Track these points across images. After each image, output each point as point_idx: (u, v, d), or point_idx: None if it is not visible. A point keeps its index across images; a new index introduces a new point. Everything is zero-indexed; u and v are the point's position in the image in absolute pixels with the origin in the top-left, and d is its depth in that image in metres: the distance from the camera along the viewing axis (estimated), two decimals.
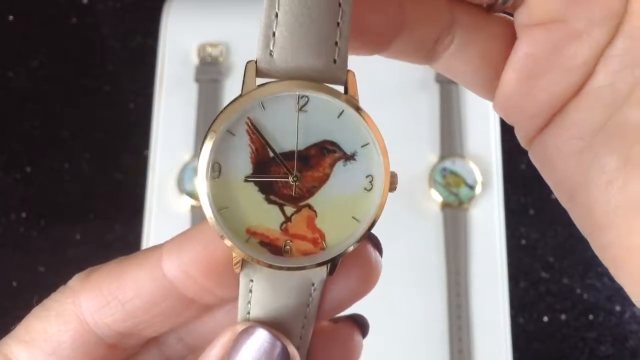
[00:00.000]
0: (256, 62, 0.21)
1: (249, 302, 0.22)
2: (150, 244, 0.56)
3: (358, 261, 0.23)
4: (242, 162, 0.21)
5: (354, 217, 0.22)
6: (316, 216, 0.21)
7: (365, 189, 0.21)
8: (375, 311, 0.54)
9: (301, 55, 0.20)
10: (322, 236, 0.22)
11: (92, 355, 0.22)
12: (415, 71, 0.59)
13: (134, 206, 0.59)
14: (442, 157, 0.57)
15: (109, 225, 0.63)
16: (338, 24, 0.20)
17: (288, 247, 0.21)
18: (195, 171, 0.57)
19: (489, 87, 0.23)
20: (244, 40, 0.61)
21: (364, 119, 0.21)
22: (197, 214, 0.56)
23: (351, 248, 0.21)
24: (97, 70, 0.69)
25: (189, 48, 0.61)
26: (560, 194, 0.22)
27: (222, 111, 0.21)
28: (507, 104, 0.22)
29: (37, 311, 0.23)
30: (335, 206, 0.21)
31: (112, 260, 0.23)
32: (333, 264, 0.22)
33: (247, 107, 0.21)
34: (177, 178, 0.57)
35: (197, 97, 0.59)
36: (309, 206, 0.21)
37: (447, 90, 0.59)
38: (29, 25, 0.71)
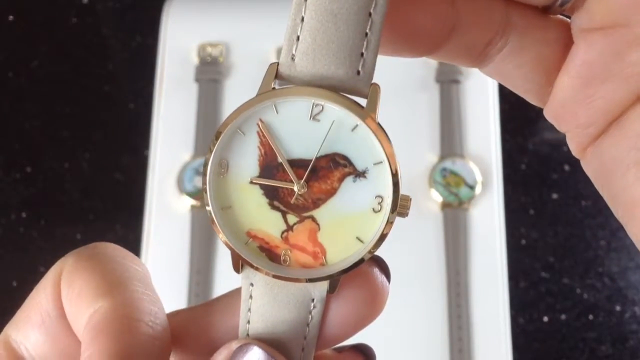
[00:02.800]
0: (278, 64, 0.20)
1: (249, 309, 0.21)
2: (150, 244, 0.56)
3: (362, 284, 0.21)
4: (249, 163, 0.21)
5: (358, 238, 0.21)
6: (319, 229, 0.21)
7: (373, 209, 0.20)
8: None
9: (323, 63, 0.19)
10: (323, 251, 0.21)
11: None
12: (415, 71, 0.59)
13: (134, 206, 0.59)
14: (442, 157, 0.57)
15: (109, 225, 0.63)
16: (366, 34, 0.19)
17: (287, 256, 0.21)
18: (201, 166, 0.57)
19: (541, 94, 0.22)
20: (244, 40, 0.61)
21: (377, 136, 0.20)
22: (197, 214, 0.56)
23: (352, 268, 0.21)
24: (97, 70, 0.69)
25: (189, 48, 0.61)
26: (616, 208, 0.21)
27: (237, 109, 0.20)
28: (560, 112, 0.21)
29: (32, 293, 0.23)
30: (340, 223, 0.20)
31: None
32: (333, 282, 0.21)
33: (260, 108, 0.20)
34: (177, 178, 0.57)
35: (197, 97, 0.59)
36: (313, 218, 0.21)
37: (447, 90, 0.59)
38: (29, 25, 0.71)
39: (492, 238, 0.55)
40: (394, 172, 0.20)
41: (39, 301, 0.22)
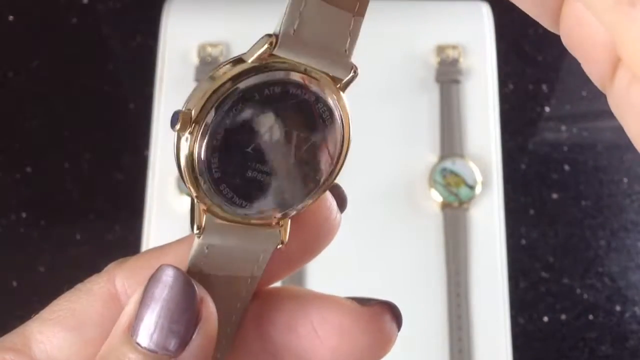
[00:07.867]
0: None
1: None
2: (150, 244, 0.56)
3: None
4: None
5: None
6: None
7: None
8: None
9: None
10: None
11: None
12: (415, 71, 0.60)
13: (134, 206, 0.59)
14: (442, 157, 0.57)
15: (109, 225, 0.63)
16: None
17: None
18: None
19: (554, 17, 0.19)
20: (244, 40, 0.61)
21: None
22: None
23: None
24: (97, 70, 0.69)
25: (189, 48, 0.61)
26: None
27: None
28: (569, 39, 0.19)
29: (67, 293, 0.22)
30: None
31: (120, 258, 0.23)
32: None
33: None
34: (177, 178, 0.57)
35: None
36: None
37: (447, 90, 0.59)
38: (29, 25, 0.71)
39: (492, 238, 0.55)
40: None
41: (76, 307, 0.21)
